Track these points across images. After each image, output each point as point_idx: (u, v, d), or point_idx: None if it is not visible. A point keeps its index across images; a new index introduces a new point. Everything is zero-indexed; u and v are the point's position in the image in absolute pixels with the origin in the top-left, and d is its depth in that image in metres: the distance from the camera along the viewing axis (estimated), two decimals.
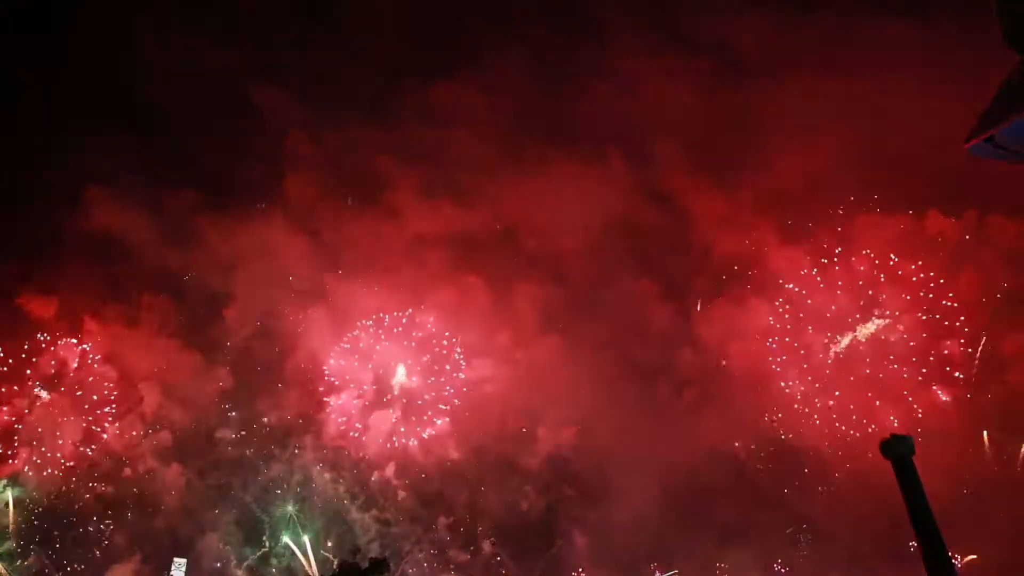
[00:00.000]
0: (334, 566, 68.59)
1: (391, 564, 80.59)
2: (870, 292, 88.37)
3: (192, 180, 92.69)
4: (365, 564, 53.32)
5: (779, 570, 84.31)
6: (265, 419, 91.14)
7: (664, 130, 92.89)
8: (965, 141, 9.78)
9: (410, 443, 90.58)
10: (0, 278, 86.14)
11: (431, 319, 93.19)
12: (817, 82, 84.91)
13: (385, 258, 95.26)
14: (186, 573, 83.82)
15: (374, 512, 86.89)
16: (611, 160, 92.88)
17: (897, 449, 18.73)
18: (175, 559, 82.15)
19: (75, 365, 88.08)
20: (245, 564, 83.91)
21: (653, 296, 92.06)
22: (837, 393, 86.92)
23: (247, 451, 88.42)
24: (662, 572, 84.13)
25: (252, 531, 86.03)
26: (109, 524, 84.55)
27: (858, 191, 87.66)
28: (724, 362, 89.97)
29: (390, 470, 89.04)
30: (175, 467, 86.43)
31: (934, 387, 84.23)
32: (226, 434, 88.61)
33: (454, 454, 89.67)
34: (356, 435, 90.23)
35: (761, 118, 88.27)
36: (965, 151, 9.85)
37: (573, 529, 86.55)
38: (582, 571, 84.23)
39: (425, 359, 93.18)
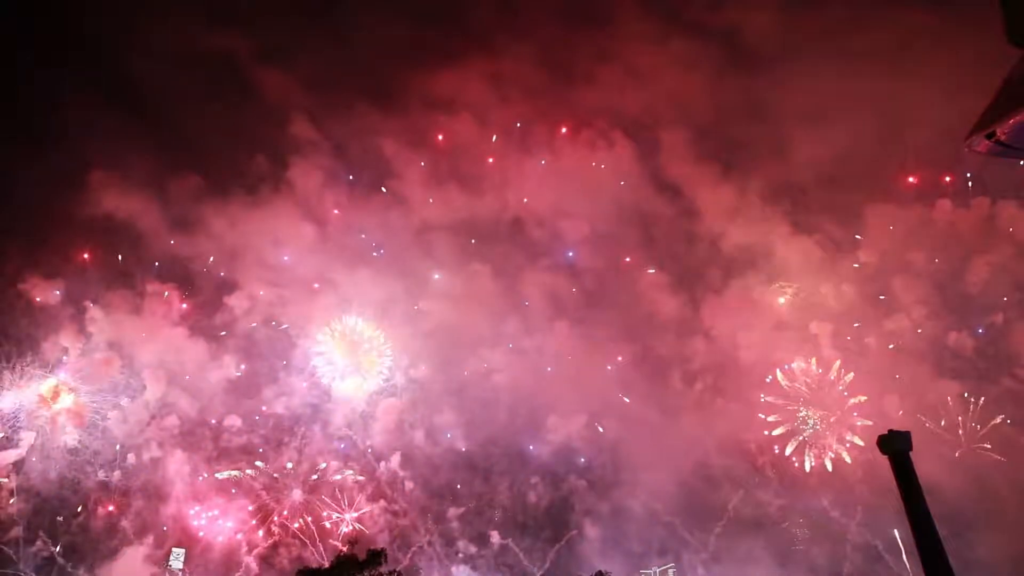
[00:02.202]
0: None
1: (401, 556, 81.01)
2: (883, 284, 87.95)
3: (196, 165, 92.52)
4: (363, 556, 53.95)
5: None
6: (271, 407, 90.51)
7: (672, 118, 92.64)
8: (966, 137, 9.88)
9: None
10: (4, 263, 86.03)
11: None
12: (827, 70, 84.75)
13: (392, 246, 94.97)
14: (197, 562, 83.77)
15: (382, 503, 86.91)
16: (619, 148, 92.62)
17: (895, 445, 19.00)
18: (174, 549, 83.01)
19: (79, 351, 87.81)
20: (255, 552, 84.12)
21: (661, 286, 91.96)
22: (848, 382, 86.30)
23: (254, 439, 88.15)
24: (673, 563, 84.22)
25: (263, 519, 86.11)
26: (115, 512, 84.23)
27: (869, 180, 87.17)
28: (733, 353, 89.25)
29: (396, 460, 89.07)
30: (182, 455, 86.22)
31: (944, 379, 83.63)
32: (233, 422, 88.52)
33: (462, 445, 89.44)
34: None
35: (771, 106, 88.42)
36: (966, 147, 9.95)
37: (583, 520, 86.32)
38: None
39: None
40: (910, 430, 18.67)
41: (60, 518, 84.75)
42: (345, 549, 64.98)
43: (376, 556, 53.58)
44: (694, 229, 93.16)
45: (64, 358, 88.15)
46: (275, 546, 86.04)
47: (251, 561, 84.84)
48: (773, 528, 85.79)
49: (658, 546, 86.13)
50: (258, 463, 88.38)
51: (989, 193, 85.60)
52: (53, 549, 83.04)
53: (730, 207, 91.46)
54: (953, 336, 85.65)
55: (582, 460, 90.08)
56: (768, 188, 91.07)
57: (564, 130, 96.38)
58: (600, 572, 56.89)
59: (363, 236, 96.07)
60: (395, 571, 53.71)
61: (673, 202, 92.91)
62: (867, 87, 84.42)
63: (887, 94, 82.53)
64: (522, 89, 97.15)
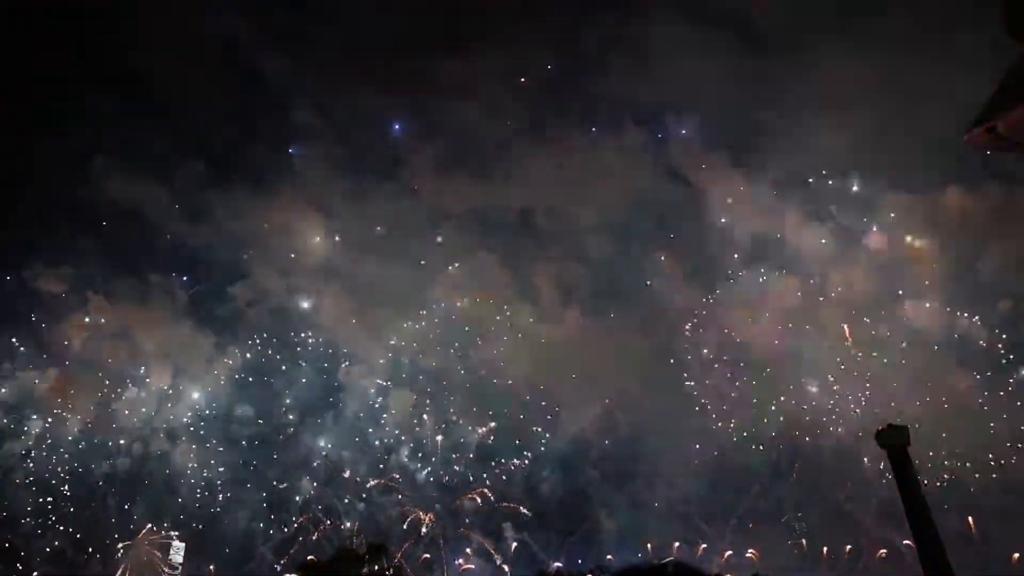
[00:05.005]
0: (363, 547, 69.24)
1: (419, 549, 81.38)
2: (896, 273, 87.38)
3: (201, 153, 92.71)
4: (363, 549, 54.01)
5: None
6: (282, 398, 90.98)
7: (685, 106, 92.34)
8: (966, 131, 9.88)
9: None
10: (9, 251, 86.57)
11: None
12: (842, 56, 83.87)
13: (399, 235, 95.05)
14: (210, 552, 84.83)
15: (395, 496, 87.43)
16: (630, 137, 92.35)
17: (893, 439, 18.80)
18: (174, 543, 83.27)
19: (85, 340, 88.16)
20: (269, 544, 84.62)
21: (675, 275, 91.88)
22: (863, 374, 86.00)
23: (266, 429, 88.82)
24: (672, 557, 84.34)
25: (275, 509, 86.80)
26: (126, 502, 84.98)
27: (884, 169, 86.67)
28: (744, 343, 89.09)
29: (405, 452, 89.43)
30: (193, 445, 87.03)
31: (958, 370, 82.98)
32: (245, 411, 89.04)
33: (475, 435, 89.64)
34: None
35: (784, 93, 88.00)
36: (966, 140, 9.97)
37: (598, 512, 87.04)
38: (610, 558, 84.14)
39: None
40: (907, 425, 18.47)
41: (72, 509, 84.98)
42: (356, 542, 65.48)
43: (376, 551, 53.55)
44: (705, 217, 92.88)
45: (69, 347, 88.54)
46: (290, 538, 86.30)
47: (266, 551, 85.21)
48: (788, 521, 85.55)
49: (673, 537, 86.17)
50: None
51: (1003, 180, 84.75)
52: (62, 541, 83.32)
53: (743, 195, 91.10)
54: (969, 326, 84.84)
55: (595, 450, 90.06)
56: (781, 175, 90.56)
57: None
58: (599, 566, 56.94)
59: (372, 224, 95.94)
60: (396, 565, 53.90)
61: (685, 190, 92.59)
62: (883, 72, 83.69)
63: (903, 80, 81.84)
64: (533, 76, 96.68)
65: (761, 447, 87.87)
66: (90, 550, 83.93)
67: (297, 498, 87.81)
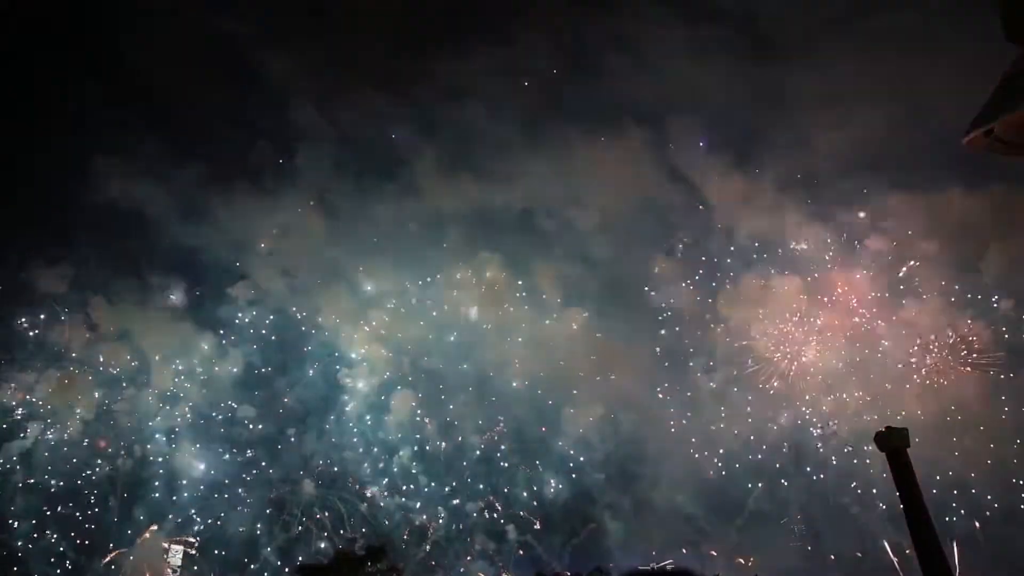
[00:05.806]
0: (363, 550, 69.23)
1: (415, 550, 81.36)
2: (898, 274, 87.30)
3: (201, 153, 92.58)
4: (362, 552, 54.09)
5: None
6: (283, 400, 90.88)
7: (686, 106, 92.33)
8: (964, 134, 9.91)
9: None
10: (9, 251, 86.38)
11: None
12: (843, 55, 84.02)
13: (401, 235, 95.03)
14: (213, 555, 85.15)
15: (398, 498, 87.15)
16: (631, 137, 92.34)
17: (892, 441, 18.83)
18: (172, 546, 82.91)
19: (85, 341, 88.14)
20: (271, 547, 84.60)
21: (676, 276, 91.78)
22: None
23: (267, 431, 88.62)
24: (672, 560, 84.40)
25: (277, 513, 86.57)
26: (127, 505, 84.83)
27: (886, 169, 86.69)
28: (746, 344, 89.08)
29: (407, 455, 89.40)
30: (194, 446, 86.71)
31: (961, 370, 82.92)
32: (246, 412, 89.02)
33: (478, 438, 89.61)
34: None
35: (786, 93, 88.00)
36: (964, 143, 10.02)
37: (602, 514, 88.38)
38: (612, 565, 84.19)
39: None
40: (907, 427, 18.48)
41: (72, 512, 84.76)
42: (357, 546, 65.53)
43: (375, 553, 53.55)
44: (705, 218, 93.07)
45: (67, 348, 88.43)
46: (295, 539, 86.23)
47: (269, 554, 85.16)
48: (791, 523, 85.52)
49: (677, 540, 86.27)
50: None
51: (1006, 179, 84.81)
52: (63, 544, 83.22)
53: (744, 196, 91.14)
54: (972, 327, 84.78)
55: (598, 453, 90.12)
56: (782, 177, 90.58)
57: None
58: (599, 568, 57.05)
59: (372, 225, 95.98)
60: (395, 567, 54.05)
61: (686, 190, 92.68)
62: (885, 70, 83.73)
63: (906, 77, 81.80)
64: (533, 76, 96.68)
65: (764, 447, 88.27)
66: (91, 554, 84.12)
67: (298, 502, 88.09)
